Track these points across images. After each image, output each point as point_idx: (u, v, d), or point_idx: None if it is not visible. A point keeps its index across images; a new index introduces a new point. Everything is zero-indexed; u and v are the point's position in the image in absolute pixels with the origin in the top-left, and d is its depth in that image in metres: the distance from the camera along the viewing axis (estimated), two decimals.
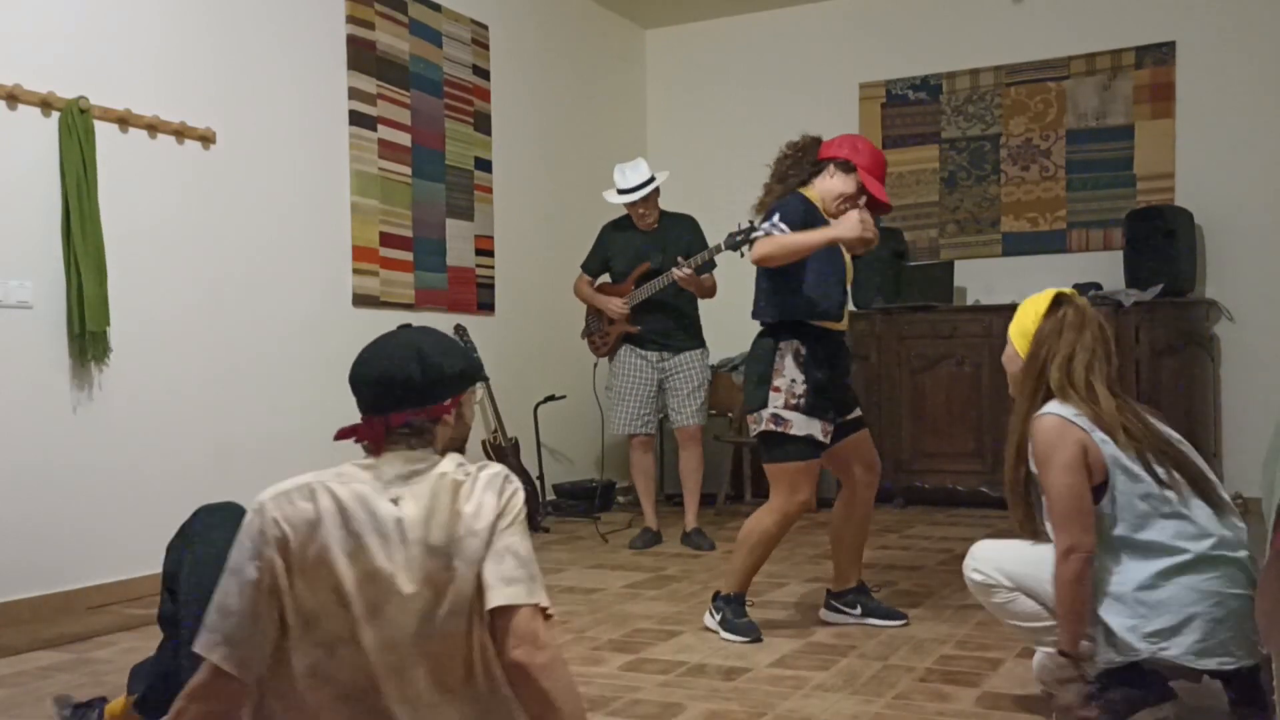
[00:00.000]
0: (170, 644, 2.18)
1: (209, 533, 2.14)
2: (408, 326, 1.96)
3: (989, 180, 6.68)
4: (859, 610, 3.54)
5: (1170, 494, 2.35)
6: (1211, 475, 2.44)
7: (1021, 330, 2.57)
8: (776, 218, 3.36)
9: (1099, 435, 2.38)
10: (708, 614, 3.48)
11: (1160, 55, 6.30)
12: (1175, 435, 2.49)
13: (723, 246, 4.99)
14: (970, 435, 6.15)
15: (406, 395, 1.81)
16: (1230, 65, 6.16)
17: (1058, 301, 2.54)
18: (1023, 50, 6.62)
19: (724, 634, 3.36)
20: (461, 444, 1.89)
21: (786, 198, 3.46)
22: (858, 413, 3.54)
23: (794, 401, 3.31)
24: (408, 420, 1.82)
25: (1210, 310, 6.11)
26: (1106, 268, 6.24)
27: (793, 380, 3.33)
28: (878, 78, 7.01)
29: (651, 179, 5.04)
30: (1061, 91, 6.52)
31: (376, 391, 1.83)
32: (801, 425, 3.30)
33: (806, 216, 3.38)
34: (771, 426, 3.31)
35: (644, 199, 5.04)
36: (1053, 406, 2.45)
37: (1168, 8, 6.29)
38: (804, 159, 3.50)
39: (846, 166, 3.43)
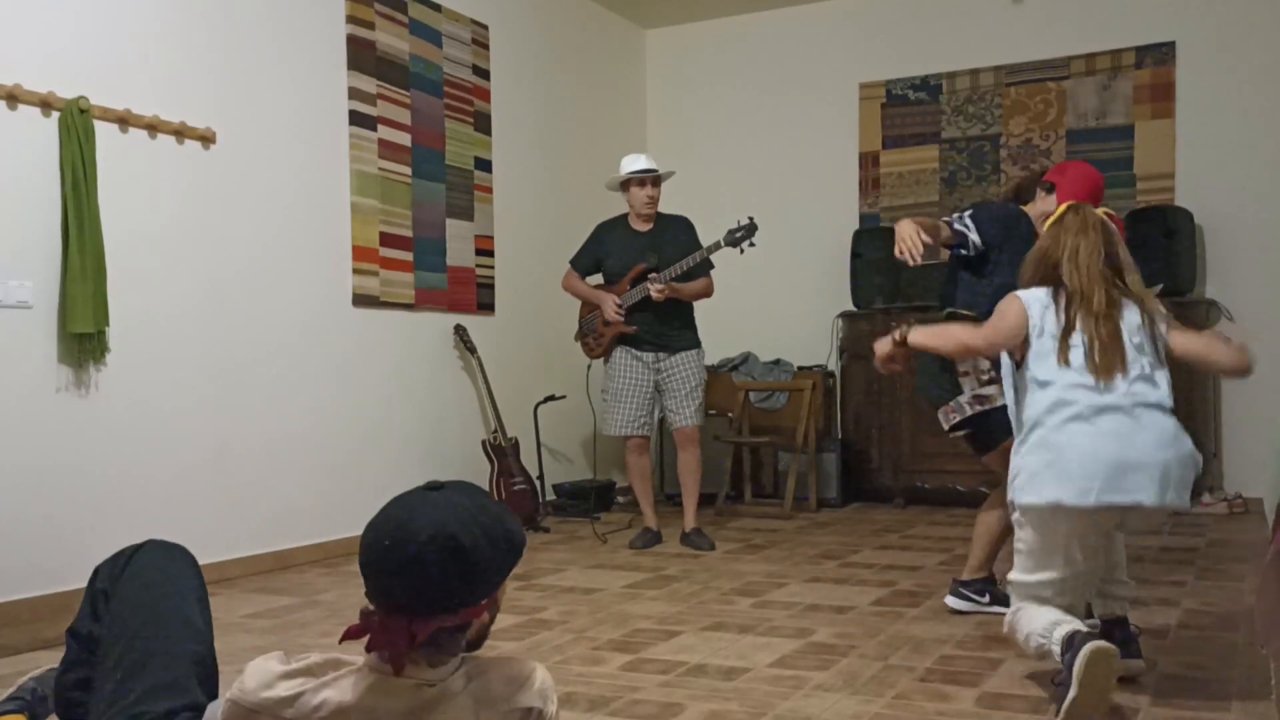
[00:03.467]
0: (79, 659, 1.96)
1: (153, 574, 1.96)
2: (436, 488, 1.56)
3: (989, 180, 6.68)
4: (987, 598, 3.59)
5: (1070, 369, 2.67)
6: (1135, 362, 2.67)
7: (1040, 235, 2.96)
8: (967, 214, 3.46)
9: (1043, 309, 2.74)
10: (956, 600, 3.62)
11: (1160, 55, 6.30)
12: (1135, 324, 2.72)
13: (722, 243, 5.00)
14: None
15: (438, 602, 1.48)
16: (1230, 65, 6.16)
17: (1065, 211, 2.87)
18: (1023, 50, 6.62)
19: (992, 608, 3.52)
20: (486, 633, 1.62)
21: (999, 202, 3.53)
22: None
23: (985, 378, 3.37)
24: (435, 632, 1.49)
25: (1210, 310, 6.11)
26: None
27: (974, 360, 3.38)
28: (878, 78, 7.01)
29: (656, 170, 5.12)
30: (1061, 91, 6.52)
31: (399, 593, 1.48)
32: (1002, 395, 3.27)
33: (1006, 221, 3.44)
34: (978, 407, 3.37)
35: (654, 180, 5.08)
36: (1028, 291, 2.80)
37: (1168, 8, 6.29)
38: (1035, 182, 3.55)
39: (1049, 188, 3.44)
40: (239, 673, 1.62)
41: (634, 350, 5.13)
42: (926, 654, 3.12)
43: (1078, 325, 2.70)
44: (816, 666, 3.00)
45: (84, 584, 3.99)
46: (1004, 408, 3.16)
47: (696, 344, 5.20)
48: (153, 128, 4.16)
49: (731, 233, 5.00)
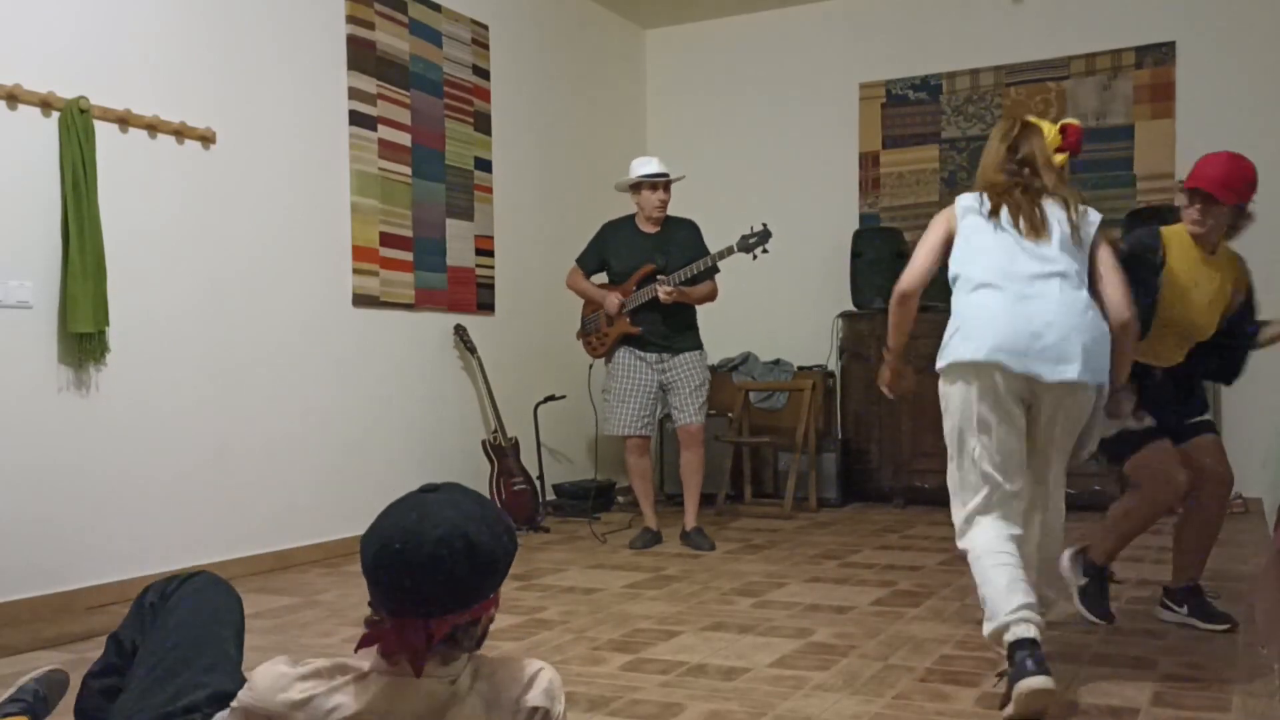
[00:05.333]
0: (114, 665, 2.00)
1: (201, 601, 1.99)
2: (433, 489, 1.59)
3: None
4: (1185, 609, 3.43)
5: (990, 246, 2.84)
6: (1051, 242, 2.79)
7: None
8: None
9: (970, 217, 2.90)
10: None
11: (1160, 55, 6.30)
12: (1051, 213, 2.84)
13: (735, 248, 4.99)
14: None
15: (454, 598, 1.50)
16: (1230, 65, 6.16)
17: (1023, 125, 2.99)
18: (1023, 50, 6.62)
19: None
20: (488, 628, 1.63)
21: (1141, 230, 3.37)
22: (1203, 417, 3.39)
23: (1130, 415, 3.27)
24: (451, 629, 1.51)
25: None
26: None
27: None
28: (878, 78, 7.01)
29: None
30: (1061, 91, 6.52)
31: (415, 594, 1.48)
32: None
33: (1132, 247, 3.26)
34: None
35: (665, 184, 5.10)
36: (958, 199, 2.98)
37: (1168, 8, 6.29)
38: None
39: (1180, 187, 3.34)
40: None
41: (638, 351, 5.13)
42: (926, 654, 3.12)
43: (995, 209, 2.86)
44: (816, 666, 3.00)
45: (84, 584, 4.01)
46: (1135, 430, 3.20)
47: (699, 345, 5.21)
48: (153, 128, 4.16)
49: (745, 238, 5.00)
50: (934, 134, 6.85)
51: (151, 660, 1.87)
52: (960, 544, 2.79)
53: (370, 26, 5.20)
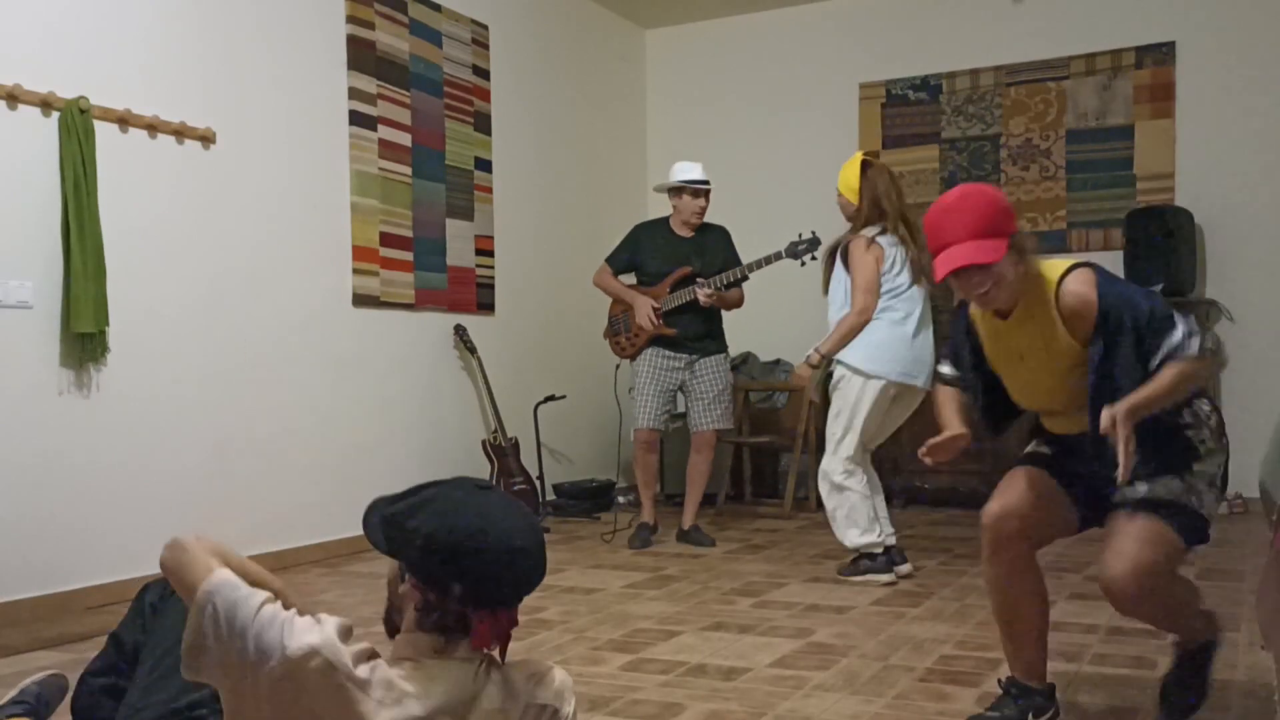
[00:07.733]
0: (114, 665, 2.01)
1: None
2: (486, 487, 1.64)
3: (989, 180, 6.68)
4: None
5: (904, 280, 4.20)
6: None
7: (847, 185, 4.24)
8: None
9: (890, 250, 4.18)
10: None
11: (1160, 55, 6.30)
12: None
13: (783, 254, 4.99)
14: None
15: (533, 587, 1.60)
16: (1230, 65, 6.16)
17: (866, 163, 4.23)
18: (1023, 50, 6.62)
19: None
20: None
21: None
22: (1125, 494, 2.38)
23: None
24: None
25: (1210, 310, 6.10)
26: (1106, 268, 6.21)
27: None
28: (878, 78, 7.01)
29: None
30: (1061, 91, 6.52)
31: (525, 584, 1.57)
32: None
33: (952, 335, 2.73)
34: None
35: (707, 193, 5.11)
36: (870, 229, 4.17)
37: (1168, 8, 6.29)
38: None
39: None
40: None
41: (667, 351, 5.12)
42: (926, 654, 3.12)
43: (907, 251, 4.16)
44: (816, 666, 3.00)
45: (84, 584, 4.00)
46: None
47: (725, 348, 5.26)
48: (153, 128, 4.16)
49: (794, 245, 4.99)
50: (934, 134, 6.85)
51: (155, 658, 1.87)
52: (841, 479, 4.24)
53: (370, 26, 5.20)
